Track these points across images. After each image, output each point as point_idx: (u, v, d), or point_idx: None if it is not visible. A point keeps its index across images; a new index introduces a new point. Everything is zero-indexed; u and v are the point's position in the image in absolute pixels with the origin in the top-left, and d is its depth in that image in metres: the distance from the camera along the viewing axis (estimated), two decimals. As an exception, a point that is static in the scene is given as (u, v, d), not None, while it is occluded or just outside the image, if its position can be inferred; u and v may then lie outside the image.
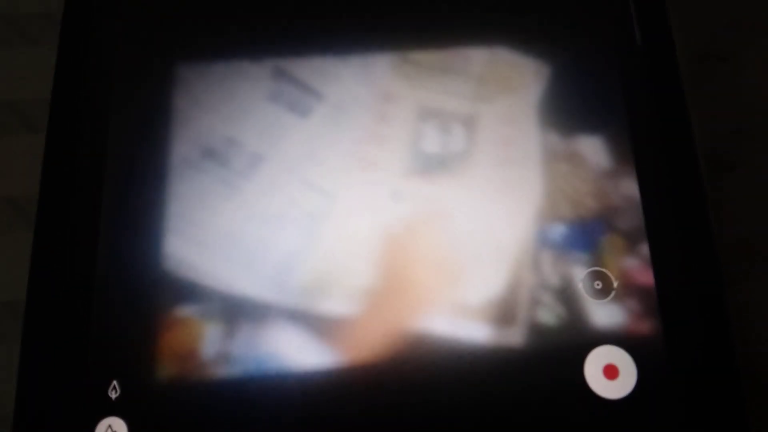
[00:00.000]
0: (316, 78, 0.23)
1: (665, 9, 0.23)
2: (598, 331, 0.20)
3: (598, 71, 0.23)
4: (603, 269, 0.21)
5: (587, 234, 0.21)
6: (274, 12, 0.23)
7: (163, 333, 0.20)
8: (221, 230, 0.21)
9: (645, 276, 0.21)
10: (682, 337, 0.20)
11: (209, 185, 0.21)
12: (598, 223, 0.21)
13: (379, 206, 0.21)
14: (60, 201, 0.21)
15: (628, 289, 0.21)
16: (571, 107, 0.22)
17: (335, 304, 0.20)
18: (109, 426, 0.19)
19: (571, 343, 0.20)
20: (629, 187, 0.22)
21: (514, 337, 0.20)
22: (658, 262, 0.21)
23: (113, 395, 0.19)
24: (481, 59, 0.23)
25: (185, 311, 0.20)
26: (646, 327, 0.20)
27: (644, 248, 0.21)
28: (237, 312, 0.20)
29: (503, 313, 0.20)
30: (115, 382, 0.19)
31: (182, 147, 0.22)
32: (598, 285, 0.21)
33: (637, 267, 0.21)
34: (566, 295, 0.20)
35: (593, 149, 0.22)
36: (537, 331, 0.20)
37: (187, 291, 0.20)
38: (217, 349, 0.20)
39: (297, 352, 0.20)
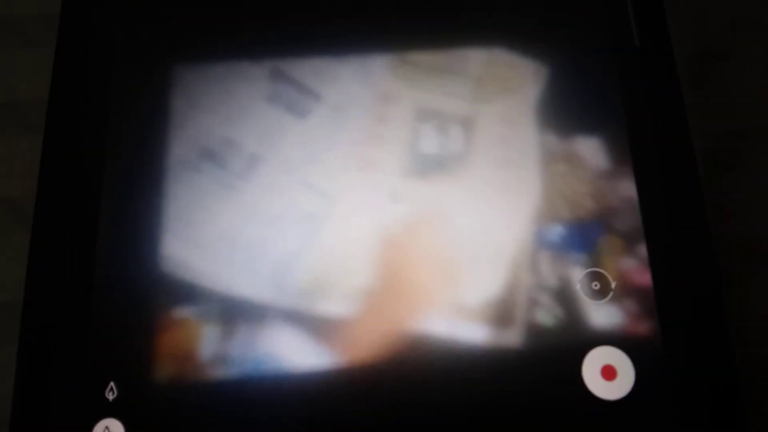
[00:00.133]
0: (315, 79, 0.23)
1: (663, 9, 0.24)
2: (596, 332, 0.20)
3: (596, 72, 0.23)
4: (601, 270, 0.21)
5: (585, 235, 0.21)
6: (272, 13, 0.23)
7: (160, 334, 0.20)
8: (219, 231, 0.21)
9: (643, 277, 0.21)
10: (680, 338, 0.20)
11: (207, 186, 0.21)
12: (596, 224, 0.21)
13: (377, 207, 0.21)
14: (58, 202, 0.21)
15: (626, 290, 0.21)
16: (569, 108, 0.22)
17: (333, 305, 0.20)
18: (106, 427, 0.19)
19: (569, 343, 0.20)
20: (627, 188, 0.22)
21: (512, 337, 0.20)
22: (656, 263, 0.21)
23: (110, 396, 0.19)
24: (479, 60, 0.23)
25: (183, 312, 0.20)
26: (644, 328, 0.20)
27: (642, 249, 0.21)
28: (235, 313, 0.20)
29: (501, 313, 0.20)
30: (112, 384, 0.19)
31: (180, 148, 0.22)
32: (596, 286, 0.21)
33: (635, 268, 0.21)
34: (564, 296, 0.20)
35: (591, 150, 0.22)
36: (535, 331, 0.20)
37: (185, 292, 0.20)
38: (215, 350, 0.20)
39: (295, 353, 0.20)
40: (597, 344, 0.20)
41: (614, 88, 0.23)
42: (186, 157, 0.22)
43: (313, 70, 0.23)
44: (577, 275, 0.21)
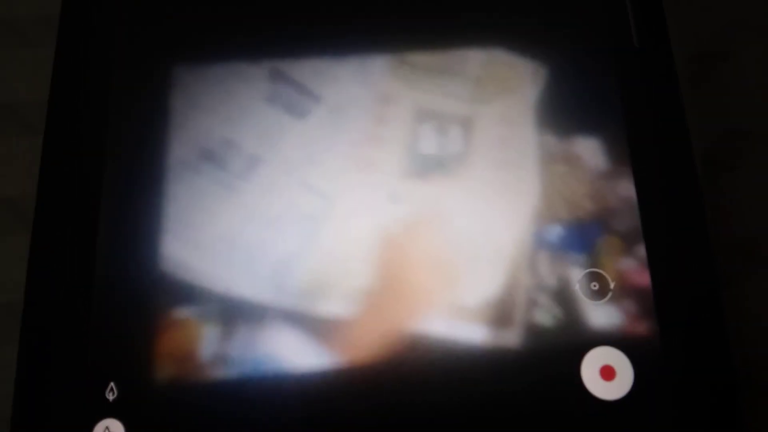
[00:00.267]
0: (314, 79, 0.23)
1: (663, 10, 0.23)
2: (595, 333, 0.20)
3: (595, 72, 0.23)
4: (600, 270, 0.21)
5: (584, 235, 0.21)
6: (271, 13, 0.23)
7: (160, 334, 0.20)
8: (219, 232, 0.21)
9: (642, 277, 0.21)
10: (679, 339, 0.20)
11: (207, 187, 0.21)
12: (595, 225, 0.21)
13: (376, 208, 0.21)
14: (58, 202, 0.21)
15: (625, 291, 0.21)
16: (568, 108, 0.22)
17: (333, 306, 0.20)
18: (107, 428, 0.19)
19: (568, 344, 0.20)
20: (626, 189, 0.22)
21: (511, 338, 0.20)
22: (655, 264, 0.21)
23: (110, 397, 0.19)
24: (479, 61, 0.23)
25: (183, 313, 0.20)
26: (643, 328, 0.20)
27: (641, 249, 0.21)
28: (235, 313, 0.20)
29: (500, 314, 0.20)
30: (112, 384, 0.19)
31: (180, 149, 0.22)
32: (595, 286, 0.21)
33: (634, 268, 0.21)
34: (563, 297, 0.20)
35: (590, 150, 0.22)
36: (534, 332, 0.20)
37: (184, 292, 0.20)
38: (214, 350, 0.20)
39: (295, 354, 0.20)
40: (596, 344, 0.20)
41: (613, 89, 0.23)
42: (186, 157, 0.22)
43: (313, 71, 0.23)
44: (576, 276, 0.21)
